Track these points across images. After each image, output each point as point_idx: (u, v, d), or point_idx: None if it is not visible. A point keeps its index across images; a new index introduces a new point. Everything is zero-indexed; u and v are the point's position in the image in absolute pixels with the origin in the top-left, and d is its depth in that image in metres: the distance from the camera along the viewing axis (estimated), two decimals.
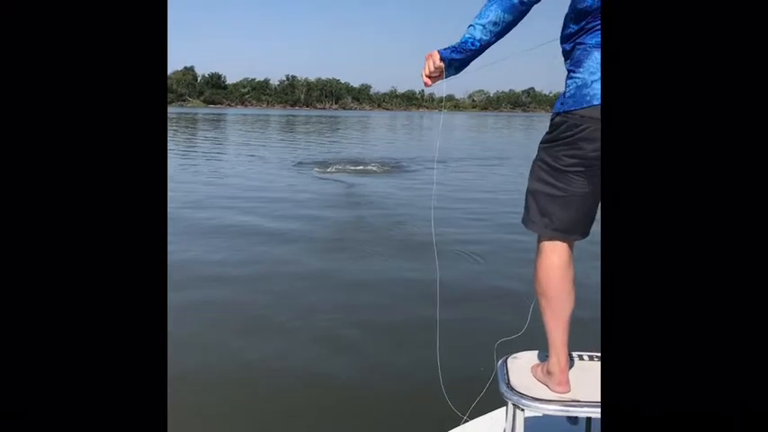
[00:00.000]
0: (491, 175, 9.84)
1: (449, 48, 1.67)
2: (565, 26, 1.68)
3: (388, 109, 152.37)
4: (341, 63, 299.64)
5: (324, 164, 11.75)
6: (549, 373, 1.74)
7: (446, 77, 1.70)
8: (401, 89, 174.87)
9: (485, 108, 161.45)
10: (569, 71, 1.65)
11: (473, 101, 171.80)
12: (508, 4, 1.61)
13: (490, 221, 6.14)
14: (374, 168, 11.29)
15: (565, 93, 1.64)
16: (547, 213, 1.70)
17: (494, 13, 1.63)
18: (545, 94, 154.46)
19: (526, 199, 1.76)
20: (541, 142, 1.73)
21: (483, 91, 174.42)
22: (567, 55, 1.68)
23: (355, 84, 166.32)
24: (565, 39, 1.68)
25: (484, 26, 1.63)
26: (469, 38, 1.65)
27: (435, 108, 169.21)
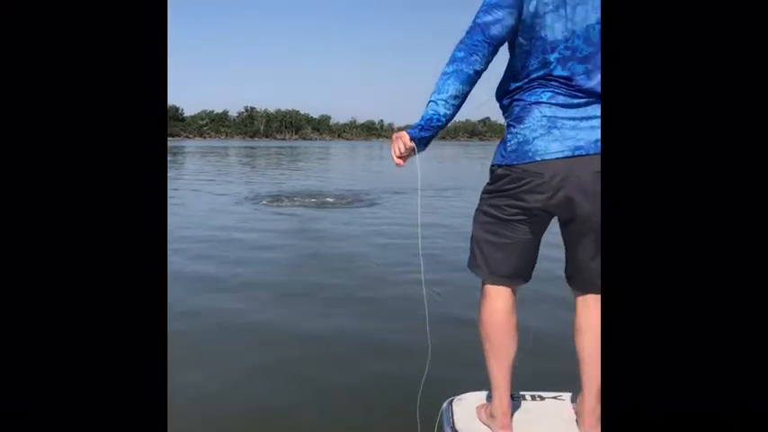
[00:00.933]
0: (447, 207, 9.58)
1: (416, 127, 1.70)
2: (503, 82, 1.77)
3: (348, 139, 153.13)
4: (301, 94, 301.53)
5: (280, 197, 11.31)
6: (491, 415, 1.78)
7: (417, 153, 1.73)
8: (361, 119, 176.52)
9: (443, 138, 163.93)
10: (509, 125, 1.72)
11: None
12: (465, 76, 1.65)
13: (442, 258, 5.82)
14: (332, 201, 10.94)
15: (506, 146, 1.71)
16: (491, 260, 1.77)
17: (453, 87, 1.66)
18: (500, 123, 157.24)
19: (471, 245, 1.83)
20: (484, 192, 1.80)
21: None
22: (504, 109, 1.77)
23: (315, 114, 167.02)
24: (503, 94, 1.77)
25: (446, 101, 1.67)
26: (434, 114, 1.68)
27: None
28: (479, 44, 1.65)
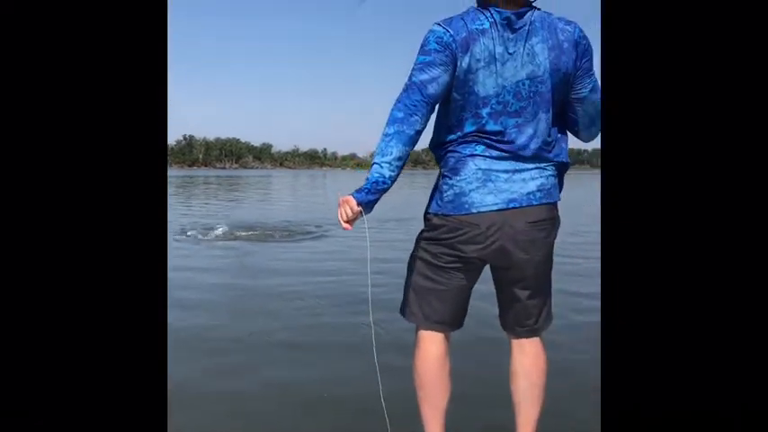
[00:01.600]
0: (388, 239, 9.26)
1: (362, 191, 1.69)
2: (437, 134, 1.80)
3: (290, 167, 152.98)
4: (242, 122, 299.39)
5: (216, 229, 10.71)
6: None
7: (365, 215, 1.72)
8: (303, 147, 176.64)
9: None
10: (445, 175, 1.75)
11: None
12: (407, 138, 1.67)
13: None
14: (272, 233, 10.44)
15: (442, 196, 1.74)
16: (426, 306, 1.80)
17: (396, 149, 1.67)
18: None
19: (405, 291, 1.86)
20: (420, 239, 1.83)
21: None
22: (439, 159, 1.80)
23: (256, 143, 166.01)
24: (437, 145, 1.80)
25: (390, 163, 1.68)
26: (380, 177, 1.68)
27: (338, 166, 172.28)
28: (418, 104, 1.66)
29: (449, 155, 1.76)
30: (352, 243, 8.81)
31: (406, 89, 1.68)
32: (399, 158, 1.69)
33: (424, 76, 1.66)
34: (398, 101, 1.69)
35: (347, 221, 1.72)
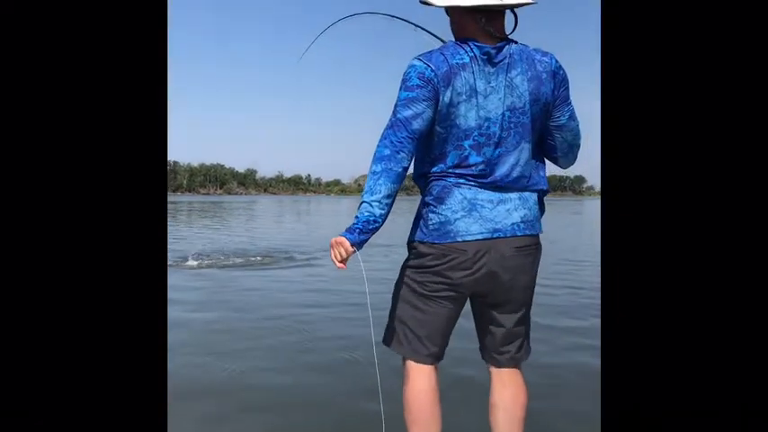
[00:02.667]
0: (370, 268, 9.24)
1: (354, 231, 1.69)
2: (421, 165, 1.80)
3: (275, 193, 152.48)
4: (226, 148, 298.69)
5: (199, 256, 10.55)
6: None
7: (358, 252, 1.71)
8: (288, 173, 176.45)
9: None
10: (428, 203, 1.76)
11: (359, 185, 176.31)
12: (395, 175, 1.69)
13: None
14: (258, 259, 10.30)
15: (427, 224, 1.75)
16: (414, 337, 1.77)
17: (385, 187, 1.69)
18: None
19: (391, 322, 1.83)
20: (406, 267, 1.82)
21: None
22: (423, 188, 1.81)
23: (240, 168, 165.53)
24: (420, 175, 1.81)
25: (380, 201, 1.69)
26: (370, 216, 1.69)
27: (323, 192, 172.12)
28: (404, 140, 1.68)
29: (433, 183, 1.77)
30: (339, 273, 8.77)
31: (392, 126, 1.69)
32: (389, 196, 1.70)
33: (409, 112, 1.67)
34: (384, 137, 1.70)
35: (341, 261, 1.71)
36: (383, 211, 1.70)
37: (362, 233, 1.69)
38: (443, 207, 1.73)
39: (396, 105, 1.70)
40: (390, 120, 1.70)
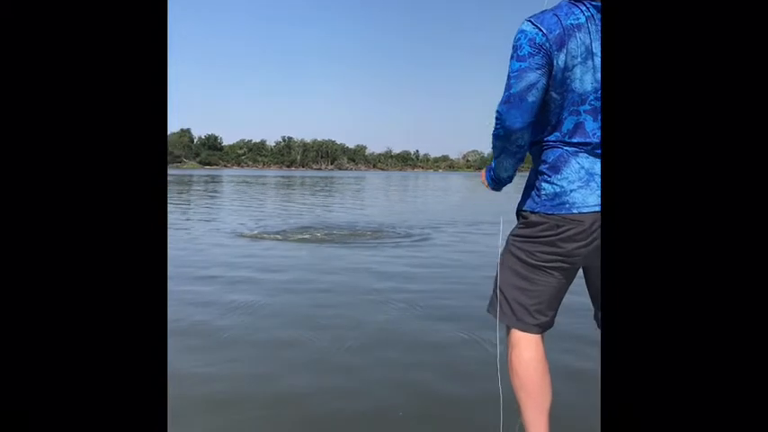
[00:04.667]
0: (483, 241, 9.13)
1: (488, 179, 2.00)
2: (534, 132, 1.74)
3: (383, 169, 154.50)
4: (337, 124, 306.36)
5: (310, 229, 10.95)
6: None
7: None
8: (396, 149, 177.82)
9: (479, 168, 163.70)
10: (542, 172, 1.71)
11: (467, 161, 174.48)
12: (517, 150, 1.77)
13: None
14: (367, 234, 10.48)
15: (540, 193, 1.71)
16: (519, 307, 1.74)
17: (509, 165, 1.85)
18: None
19: (497, 291, 1.80)
20: (514, 236, 1.79)
21: (477, 151, 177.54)
22: (535, 155, 1.76)
23: (351, 144, 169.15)
24: (534, 143, 1.76)
25: (509, 178, 1.94)
26: (506, 181, 1.96)
27: (430, 168, 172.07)
28: (522, 115, 1.65)
29: (547, 152, 1.71)
30: (457, 247, 8.77)
31: (507, 101, 1.64)
32: (514, 172, 1.89)
33: (522, 84, 1.62)
34: (501, 114, 1.67)
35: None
36: (511, 181, 1.95)
37: (496, 185, 1.98)
38: (559, 177, 1.67)
39: (508, 77, 1.64)
40: (504, 94, 1.65)
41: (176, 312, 4.32)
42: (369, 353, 3.40)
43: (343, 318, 4.20)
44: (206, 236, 9.78)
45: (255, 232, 10.11)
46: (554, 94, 1.64)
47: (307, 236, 9.92)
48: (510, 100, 1.64)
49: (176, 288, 5.23)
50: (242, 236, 9.68)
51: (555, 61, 1.60)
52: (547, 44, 1.59)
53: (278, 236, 9.86)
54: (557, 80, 1.62)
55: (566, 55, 1.59)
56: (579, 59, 1.60)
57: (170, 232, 10.45)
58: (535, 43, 1.60)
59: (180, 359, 3.25)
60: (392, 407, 2.60)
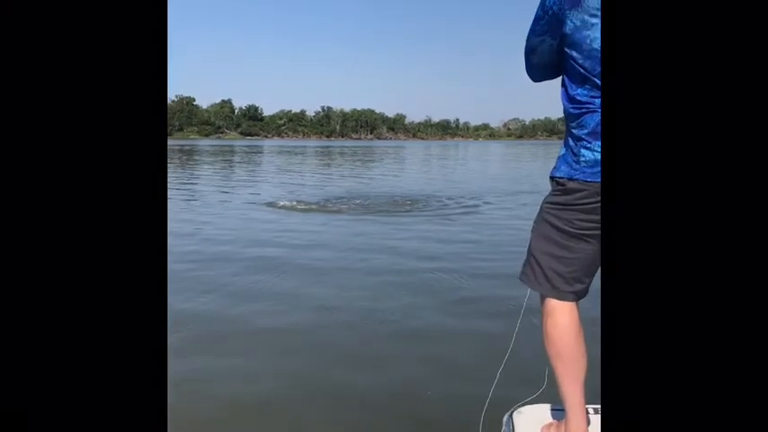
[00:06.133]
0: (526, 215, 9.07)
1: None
2: (570, 86, 1.65)
3: (423, 138, 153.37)
4: (376, 93, 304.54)
5: (349, 201, 10.98)
6: None
7: None
8: (435, 118, 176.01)
9: (520, 136, 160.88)
10: (580, 137, 1.63)
11: (508, 129, 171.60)
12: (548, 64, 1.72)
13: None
14: (408, 206, 10.44)
15: (578, 159, 1.63)
16: (554, 275, 1.72)
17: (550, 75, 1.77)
18: None
19: (532, 259, 1.77)
20: (549, 203, 1.73)
21: (518, 119, 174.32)
22: (573, 118, 1.66)
23: (390, 114, 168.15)
24: (571, 101, 1.65)
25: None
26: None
27: (470, 137, 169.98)
28: (532, 71, 1.72)
29: (587, 116, 1.62)
30: (497, 222, 8.73)
31: (524, 56, 1.73)
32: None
33: (527, 47, 1.70)
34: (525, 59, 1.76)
35: None
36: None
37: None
38: (599, 143, 1.59)
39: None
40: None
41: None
42: None
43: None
44: (255, 208, 10.00)
45: (313, 204, 10.20)
46: (575, 54, 1.57)
47: (362, 205, 10.07)
48: (524, 56, 1.73)
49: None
50: (292, 208, 9.84)
51: (566, 20, 1.54)
52: (555, 6, 1.54)
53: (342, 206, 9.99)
54: (573, 40, 1.55)
55: (581, 12, 1.51)
56: (599, 17, 1.50)
57: (217, 203, 10.73)
58: (544, 6, 1.57)
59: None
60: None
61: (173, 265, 5.09)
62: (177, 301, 4.08)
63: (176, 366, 3.23)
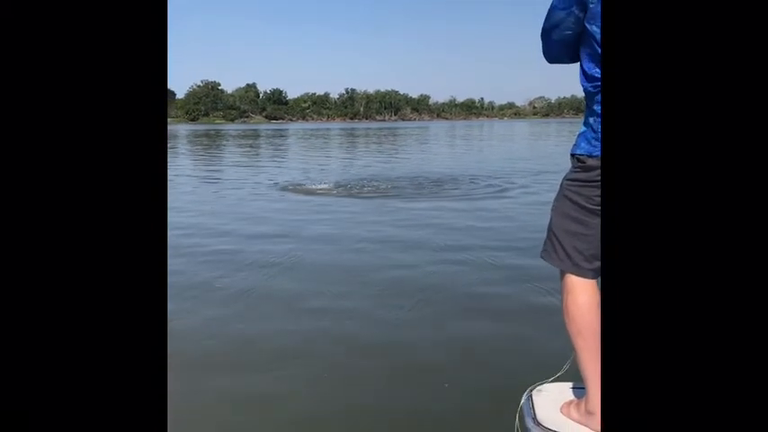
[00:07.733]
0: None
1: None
2: (588, 65, 1.65)
3: (447, 118, 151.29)
4: (399, 74, 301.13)
5: (371, 184, 10.71)
6: (589, 413, 1.71)
7: None
8: (460, 98, 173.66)
9: (546, 115, 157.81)
10: (599, 114, 1.61)
11: (534, 108, 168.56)
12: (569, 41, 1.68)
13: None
14: (432, 188, 10.50)
15: (598, 136, 1.62)
16: (574, 251, 1.71)
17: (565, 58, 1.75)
18: None
19: (552, 236, 1.77)
20: (569, 180, 1.73)
21: (544, 98, 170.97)
22: (590, 95, 1.67)
23: (414, 94, 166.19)
24: (589, 78, 1.66)
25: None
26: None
27: (495, 116, 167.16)
28: (550, 48, 1.71)
29: None
30: (530, 199, 8.82)
31: (541, 35, 1.74)
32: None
33: (548, 23, 1.69)
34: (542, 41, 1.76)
35: None
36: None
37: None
38: None
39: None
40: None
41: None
42: None
43: None
44: (280, 194, 10.22)
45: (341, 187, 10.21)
46: (595, 28, 1.57)
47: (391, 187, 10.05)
48: (541, 35, 1.72)
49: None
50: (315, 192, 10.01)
51: None
52: None
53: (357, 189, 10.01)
54: (596, 12, 1.55)
55: None
56: None
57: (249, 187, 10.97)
58: None
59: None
60: None
61: (216, 246, 5.63)
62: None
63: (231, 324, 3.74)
